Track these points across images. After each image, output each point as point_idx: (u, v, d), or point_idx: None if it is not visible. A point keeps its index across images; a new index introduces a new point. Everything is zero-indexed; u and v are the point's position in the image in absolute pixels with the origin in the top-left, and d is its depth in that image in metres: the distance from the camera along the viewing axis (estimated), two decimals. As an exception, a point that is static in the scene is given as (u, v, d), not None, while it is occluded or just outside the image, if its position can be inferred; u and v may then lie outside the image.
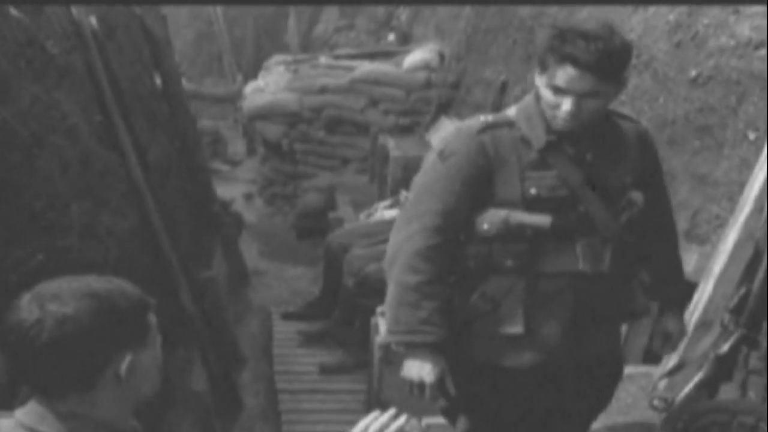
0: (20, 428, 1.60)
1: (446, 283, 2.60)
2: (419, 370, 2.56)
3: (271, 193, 11.27)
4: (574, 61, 2.33)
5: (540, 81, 2.45)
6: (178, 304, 4.92)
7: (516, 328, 2.55)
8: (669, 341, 2.82)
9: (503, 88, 7.97)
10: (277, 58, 12.40)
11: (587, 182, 2.51)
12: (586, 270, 2.53)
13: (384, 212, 7.39)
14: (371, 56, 11.37)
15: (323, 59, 11.62)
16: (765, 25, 4.10)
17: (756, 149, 3.92)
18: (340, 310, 6.21)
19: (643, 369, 3.79)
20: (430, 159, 2.65)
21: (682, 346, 2.95)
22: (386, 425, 1.86)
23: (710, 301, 3.50)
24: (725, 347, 3.19)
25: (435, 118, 9.71)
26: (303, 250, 9.27)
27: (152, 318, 1.70)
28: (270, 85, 11.15)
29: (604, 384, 2.80)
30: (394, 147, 9.12)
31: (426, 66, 10.15)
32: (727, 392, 3.28)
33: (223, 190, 9.39)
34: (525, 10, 7.90)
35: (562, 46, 2.35)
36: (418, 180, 2.64)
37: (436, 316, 2.52)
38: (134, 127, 4.80)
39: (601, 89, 2.39)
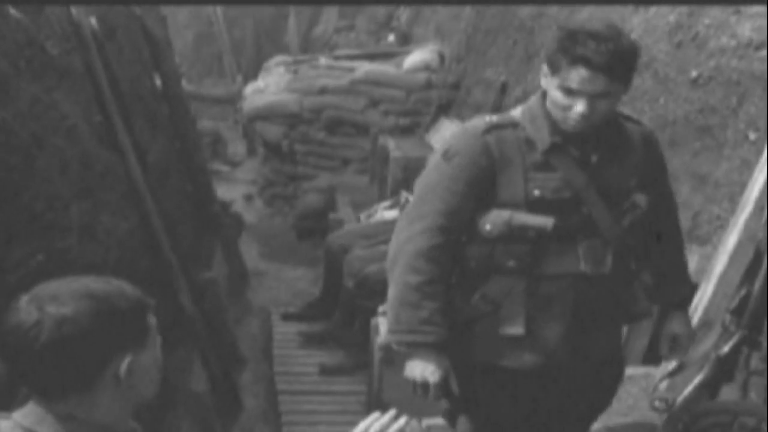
0: (19, 429, 1.60)
1: (448, 283, 2.59)
2: (423, 370, 2.55)
3: (271, 194, 11.27)
4: (587, 63, 2.33)
5: (549, 83, 2.44)
6: (178, 305, 4.92)
7: (516, 329, 2.55)
8: (677, 345, 2.80)
9: (503, 88, 7.97)
10: (277, 58, 12.41)
11: (591, 184, 2.51)
12: (587, 272, 2.52)
13: (384, 213, 7.39)
14: (371, 57, 11.37)
15: (323, 60, 11.62)
16: (765, 26, 4.10)
17: (756, 150, 3.92)
18: (341, 311, 6.21)
19: (643, 370, 3.78)
20: (434, 159, 2.64)
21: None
22: (387, 426, 1.86)
23: (711, 301, 3.49)
24: (726, 348, 3.18)
25: (435, 119, 9.71)
26: (303, 251, 9.26)
27: (152, 319, 1.69)
28: (270, 86, 11.15)
29: (605, 385, 2.79)
30: (395, 148, 9.12)
31: (426, 67, 10.15)
32: (728, 393, 3.28)
33: (223, 191, 9.39)
34: (525, 11, 7.90)
35: (573, 48, 2.34)
36: (422, 180, 2.64)
37: (437, 317, 2.52)
38: (134, 128, 4.80)
39: (613, 89, 2.39)
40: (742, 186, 3.81)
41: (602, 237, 2.53)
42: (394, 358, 4.69)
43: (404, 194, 6.89)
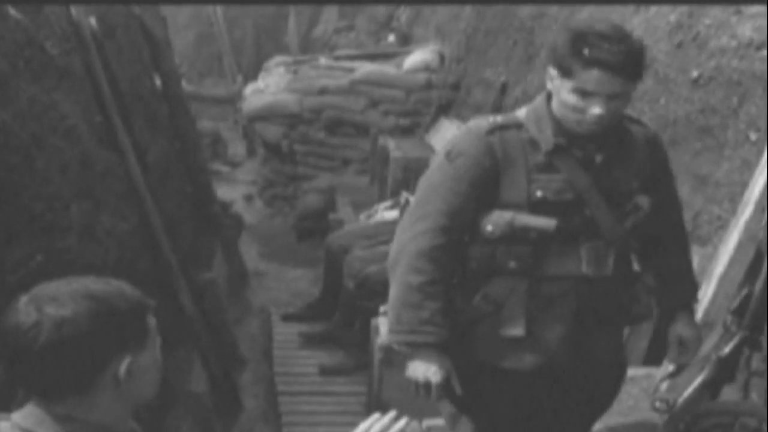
0: (18, 431, 1.59)
1: (449, 283, 2.58)
2: (425, 370, 2.55)
3: (271, 195, 11.27)
4: (603, 64, 2.33)
5: (561, 86, 2.42)
6: (178, 305, 4.91)
7: (517, 330, 2.54)
8: (685, 348, 2.78)
9: (503, 89, 7.97)
10: (277, 59, 12.41)
11: (594, 186, 2.50)
12: (589, 273, 2.52)
13: (384, 213, 7.39)
14: (371, 57, 11.38)
15: (323, 60, 11.62)
16: (766, 26, 4.09)
17: (757, 150, 3.91)
18: (341, 311, 6.20)
19: (644, 371, 3.78)
20: (437, 159, 2.63)
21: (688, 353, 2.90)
22: (387, 427, 1.85)
23: (712, 302, 3.49)
24: (727, 349, 3.17)
25: (435, 119, 9.72)
26: (303, 251, 9.26)
27: (151, 320, 1.69)
28: (270, 87, 11.16)
29: (606, 387, 2.78)
30: (395, 148, 9.12)
31: (426, 67, 10.16)
32: (730, 394, 3.27)
33: (223, 192, 9.39)
34: (525, 11, 7.90)
35: (587, 50, 2.33)
36: (425, 180, 2.63)
37: (438, 317, 2.51)
38: (134, 128, 4.80)
39: (627, 89, 2.40)
40: (743, 186, 3.80)
41: (604, 239, 2.53)
42: (393, 359, 4.69)
43: (404, 194, 6.88)
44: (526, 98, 6.80)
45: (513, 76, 7.85)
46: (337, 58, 11.70)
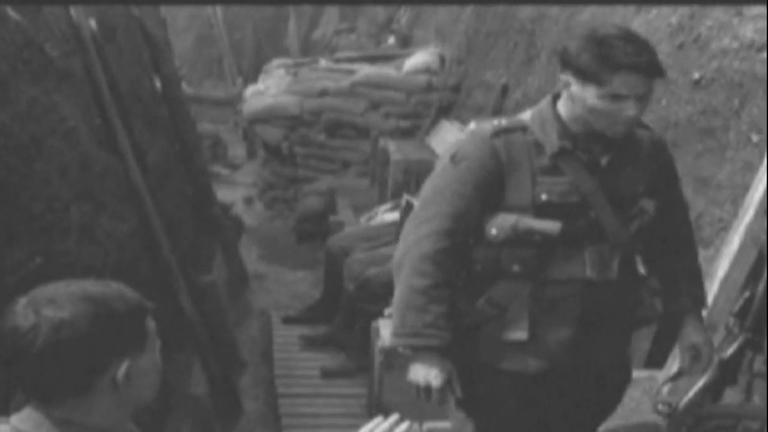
0: (16, 434, 1.58)
1: (454, 286, 2.58)
2: (426, 373, 2.54)
3: (271, 197, 11.26)
4: (632, 67, 2.34)
5: (585, 92, 2.40)
6: (178, 307, 4.91)
7: (521, 334, 2.53)
8: (699, 355, 2.75)
9: (504, 91, 7.96)
10: (277, 61, 12.40)
11: (599, 189, 2.50)
12: (593, 277, 2.51)
13: (385, 216, 7.38)
14: (372, 59, 11.37)
15: (323, 62, 11.61)
16: (766, 28, 4.08)
17: (759, 152, 3.90)
18: (341, 314, 6.19)
19: (646, 373, 3.77)
20: (442, 162, 2.63)
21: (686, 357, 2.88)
22: (389, 431, 1.84)
23: (714, 304, 3.48)
24: (729, 351, 3.16)
25: (435, 122, 9.70)
26: (303, 253, 9.25)
27: (151, 322, 1.68)
28: (270, 89, 11.14)
29: (610, 391, 2.77)
30: (395, 150, 9.11)
31: (426, 69, 10.15)
32: (732, 396, 3.26)
33: (223, 194, 9.38)
34: (525, 13, 7.89)
35: (614, 54, 2.34)
36: (429, 183, 2.63)
37: (441, 320, 2.51)
38: (133, 130, 4.79)
39: (652, 88, 2.42)
40: (745, 188, 3.79)
41: (609, 242, 2.52)
42: (394, 362, 4.69)
43: (405, 197, 6.87)
44: (526, 100, 6.80)
45: (513, 78, 7.85)
46: (338, 60, 11.68)
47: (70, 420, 1.58)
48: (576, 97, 2.43)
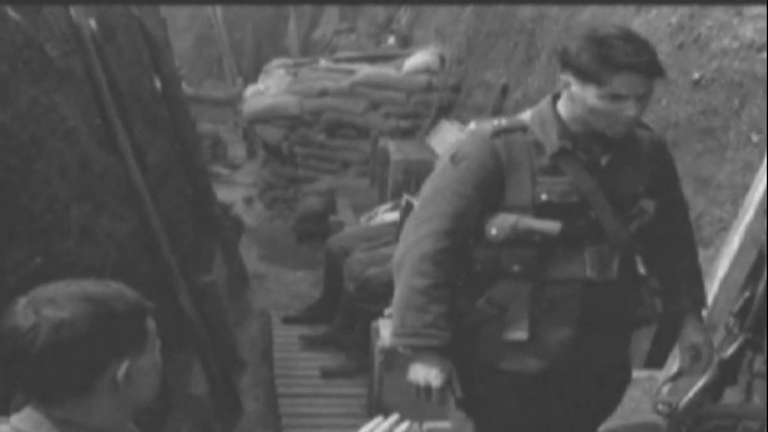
0: (16, 434, 1.58)
1: (454, 286, 2.58)
2: (426, 374, 2.54)
3: (271, 197, 11.25)
4: (633, 67, 2.34)
5: (585, 92, 2.40)
6: (178, 307, 4.90)
7: (521, 334, 2.54)
8: (699, 355, 2.75)
9: (504, 91, 7.96)
10: (278, 61, 12.39)
11: (599, 189, 2.50)
12: (593, 277, 2.51)
13: (385, 216, 7.38)
14: (372, 59, 11.36)
15: (323, 62, 11.61)
16: (766, 28, 4.08)
17: (759, 152, 3.90)
18: (341, 314, 6.19)
19: (646, 373, 3.77)
20: (442, 162, 2.63)
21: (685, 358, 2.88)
22: (389, 431, 1.84)
23: (714, 304, 3.48)
24: (729, 351, 3.16)
25: (435, 121, 9.70)
26: (303, 253, 9.25)
27: (151, 322, 1.68)
28: (270, 89, 11.14)
29: (610, 391, 2.77)
30: (395, 150, 9.11)
31: (426, 69, 10.14)
32: (732, 396, 3.26)
33: (223, 194, 9.37)
34: (525, 13, 7.89)
35: (615, 55, 2.34)
36: (429, 183, 2.63)
37: (442, 320, 2.51)
38: (133, 130, 4.79)
39: (652, 88, 2.42)
40: (745, 188, 3.79)
41: (609, 242, 2.52)
42: (394, 362, 4.69)
43: (405, 197, 6.87)
44: (526, 100, 6.80)
45: (513, 78, 7.85)
46: (338, 60, 11.68)
47: (70, 420, 1.58)
48: (576, 97, 2.43)
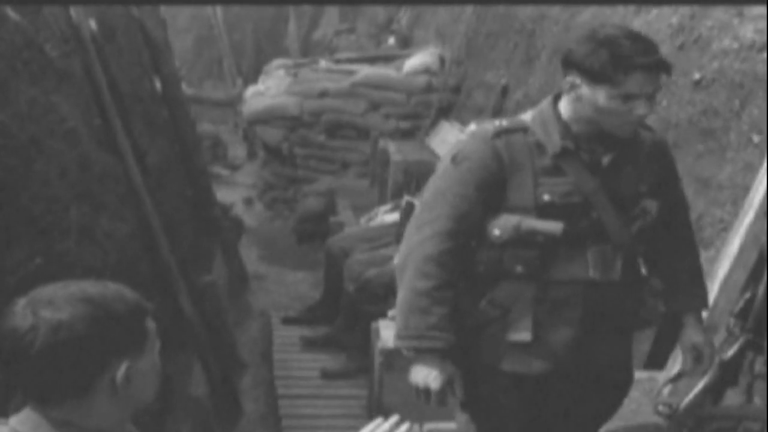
0: (15, 436, 1.58)
1: (457, 288, 2.57)
2: (426, 376, 2.54)
3: (271, 198, 11.24)
4: (645, 66, 2.35)
5: (595, 93, 2.40)
6: (178, 308, 4.90)
7: (524, 335, 2.53)
8: (701, 356, 2.75)
9: (504, 91, 7.96)
10: (278, 62, 12.39)
11: (601, 189, 2.49)
12: (596, 278, 2.51)
13: (385, 216, 7.37)
14: (372, 60, 11.37)
15: (323, 63, 11.61)
16: (767, 28, 4.08)
17: (760, 152, 3.90)
18: (341, 314, 6.18)
19: (647, 374, 3.76)
20: (443, 163, 2.62)
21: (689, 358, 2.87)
22: (389, 432, 1.84)
23: (715, 305, 3.47)
24: (730, 352, 3.15)
25: (435, 122, 9.70)
26: (303, 254, 9.24)
27: (150, 323, 1.67)
28: (270, 89, 11.14)
29: (612, 392, 2.77)
30: (395, 151, 9.11)
31: (426, 70, 10.14)
32: (732, 398, 3.25)
33: (223, 195, 9.36)
34: (525, 14, 7.89)
35: (627, 55, 2.35)
36: (431, 184, 2.63)
37: (444, 322, 2.51)
38: (133, 131, 4.79)
39: (659, 86, 2.44)
40: (746, 189, 3.79)
41: (612, 243, 2.52)
42: (394, 363, 4.68)
43: (405, 198, 6.87)
44: (527, 101, 6.79)
45: (514, 78, 7.84)
46: (338, 61, 11.68)
47: (69, 421, 1.58)
48: (585, 99, 2.43)
